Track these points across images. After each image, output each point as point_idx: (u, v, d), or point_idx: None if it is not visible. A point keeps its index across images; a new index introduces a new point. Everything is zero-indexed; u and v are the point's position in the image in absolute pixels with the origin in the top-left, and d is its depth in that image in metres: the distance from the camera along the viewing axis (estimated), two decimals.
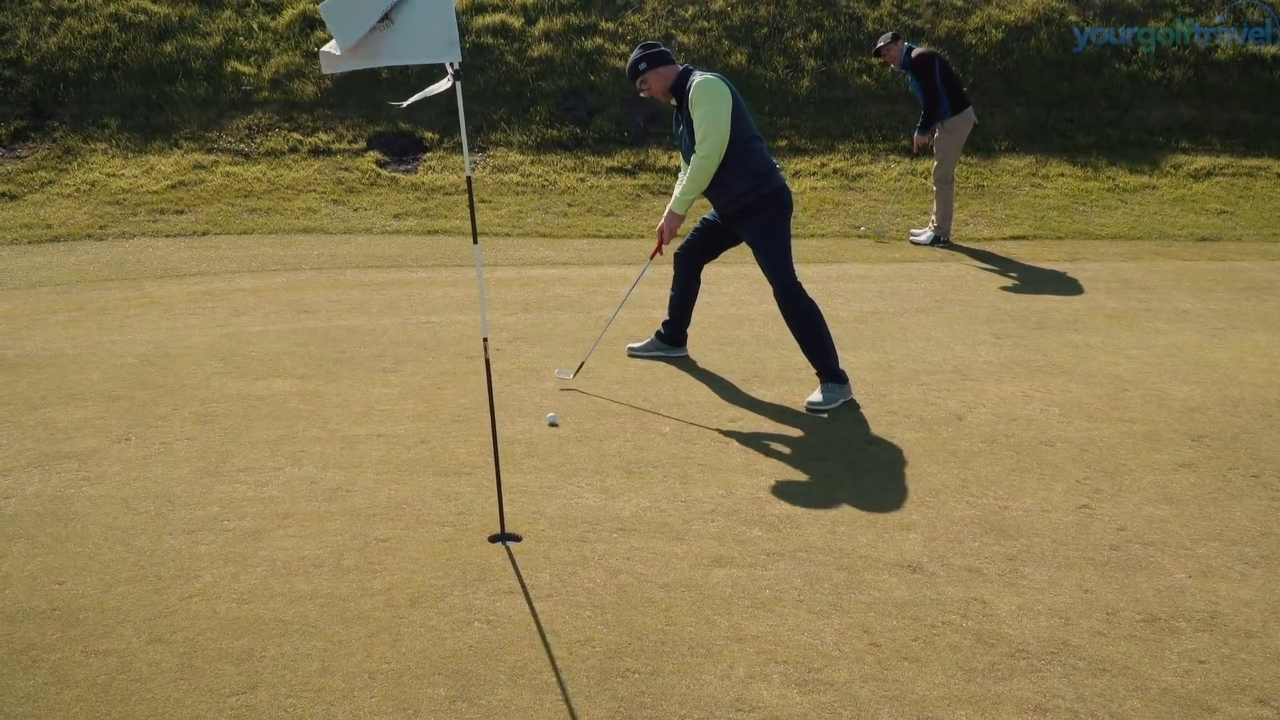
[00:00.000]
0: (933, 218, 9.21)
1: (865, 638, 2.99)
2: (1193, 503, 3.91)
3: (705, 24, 12.42)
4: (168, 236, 9.25)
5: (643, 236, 9.31)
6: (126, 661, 2.86)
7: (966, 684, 2.77)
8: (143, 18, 12.01)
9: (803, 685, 2.77)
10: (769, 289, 5.04)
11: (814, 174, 10.87)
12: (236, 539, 3.57)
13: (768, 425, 4.71)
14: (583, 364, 5.36)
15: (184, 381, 5.26)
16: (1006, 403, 4.98)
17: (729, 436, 4.56)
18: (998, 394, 5.11)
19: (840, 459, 4.33)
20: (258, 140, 10.95)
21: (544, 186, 10.53)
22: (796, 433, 4.63)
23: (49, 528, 3.65)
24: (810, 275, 7.67)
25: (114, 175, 10.35)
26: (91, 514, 3.76)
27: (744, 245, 5.23)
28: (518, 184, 10.56)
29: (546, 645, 2.94)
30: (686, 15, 12.51)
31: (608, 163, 10.92)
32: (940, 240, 9.07)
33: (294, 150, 10.85)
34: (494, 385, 3.78)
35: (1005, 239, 9.39)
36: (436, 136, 11.15)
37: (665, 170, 10.76)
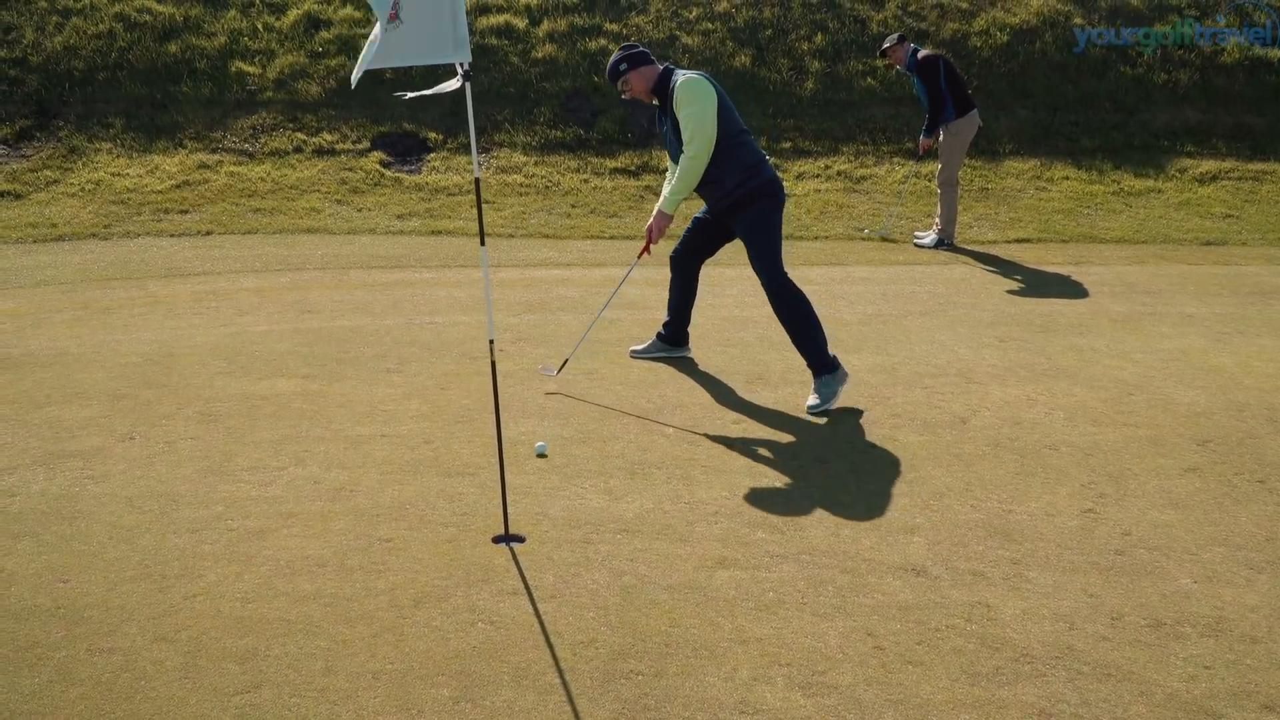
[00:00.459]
0: (936, 220, 9.21)
1: (869, 641, 2.98)
2: (1198, 508, 3.91)
3: (709, 25, 12.42)
4: (172, 236, 9.26)
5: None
6: (131, 660, 2.86)
7: (971, 688, 2.77)
8: (148, 17, 12.03)
9: (806, 688, 2.76)
10: None
11: (818, 176, 10.87)
12: (240, 538, 3.57)
13: (771, 427, 4.71)
14: (566, 361, 5.36)
15: (188, 381, 5.26)
16: (1011, 406, 4.98)
17: (732, 438, 4.56)
18: (1002, 397, 5.10)
19: (844, 461, 4.32)
20: (262, 140, 10.96)
21: (547, 187, 10.54)
22: (800, 435, 4.62)
23: (54, 526, 3.66)
24: (814, 277, 7.70)
25: (119, 175, 10.37)
26: (96, 512, 3.76)
27: (737, 244, 5.22)
28: (521, 185, 10.56)
29: (550, 646, 2.94)
30: (691, 17, 12.51)
31: (611, 164, 10.93)
32: (944, 243, 9.06)
33: (298, 150, 10.86)
34: (498, 386, 3.78)
35: (1010, 242, 9.38)
36: (440, 137, 11.16)
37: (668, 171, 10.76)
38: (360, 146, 10.96)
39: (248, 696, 2.70)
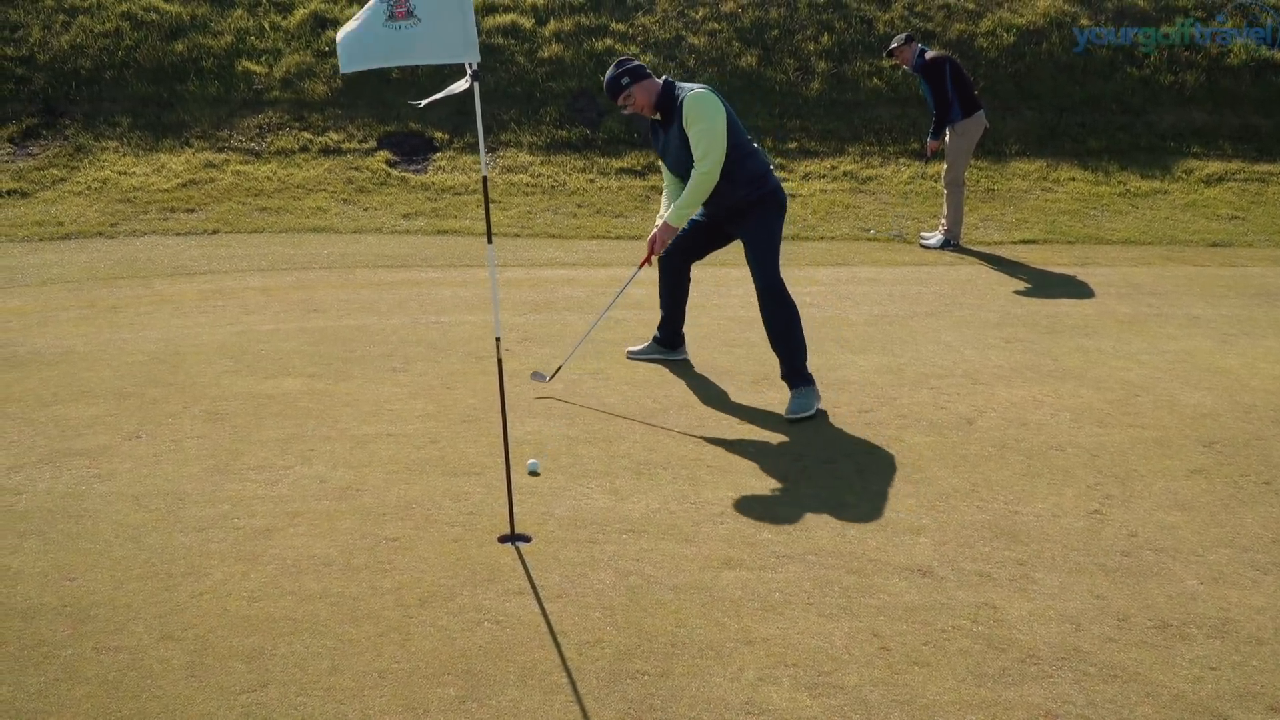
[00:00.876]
0: (942, 221, 9.20)
1: (875, 641, 2.98)
2: (1204, 509, 3.90)
3: (716, 26, 12.42)
4: (178, 235, 9.27)
5: None
6: (137, 658, 2.86)
7: (977, 689, 2.77)
8: (154, 16, 12.05)
9: (812, 688, 2.76)
10: None
11: (824, 176, 10.85)
12: (247, 537, 3.57)
13: (777, 428, 4.70)
14: (560, 368, 5.34)
15: (194, 379, 5.27)
16: (1017, 407, 4.97)
17: (738, 438, 4.56)
18: (1008, 398, 5.10)
19: (850, 462, 4.32)
20: (268, 139, 10.98)
21: (553, 187, 10.54)
22: (806, 435, 4.62)
23: (60, 524, 3.66)
24: (820, 278, 7.69)
25: (125, 173, 10.39)
26: (102, 511, 3.77)
27: (736, 245, 5.21)
28: (527, 184, 10.57)
29: (556, 646, 2.94)
30: (697, 17, 12.51)
31: (617, 164, 10.93)
32: (950, 244, 9.05)
33: (304, 149, 10.87)
34: (504, 385, 3.78)
35: (1016, 243, 9.37)
36: (446, 137, 11.17)
37: None
38: (367, 146, 10.97)
39: (254, 695, 2.71)
